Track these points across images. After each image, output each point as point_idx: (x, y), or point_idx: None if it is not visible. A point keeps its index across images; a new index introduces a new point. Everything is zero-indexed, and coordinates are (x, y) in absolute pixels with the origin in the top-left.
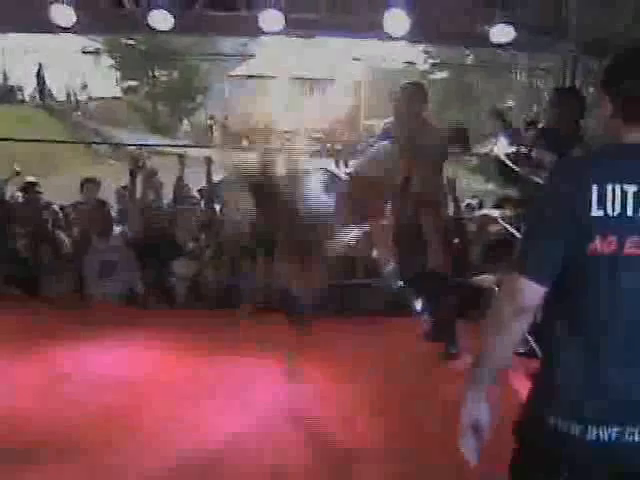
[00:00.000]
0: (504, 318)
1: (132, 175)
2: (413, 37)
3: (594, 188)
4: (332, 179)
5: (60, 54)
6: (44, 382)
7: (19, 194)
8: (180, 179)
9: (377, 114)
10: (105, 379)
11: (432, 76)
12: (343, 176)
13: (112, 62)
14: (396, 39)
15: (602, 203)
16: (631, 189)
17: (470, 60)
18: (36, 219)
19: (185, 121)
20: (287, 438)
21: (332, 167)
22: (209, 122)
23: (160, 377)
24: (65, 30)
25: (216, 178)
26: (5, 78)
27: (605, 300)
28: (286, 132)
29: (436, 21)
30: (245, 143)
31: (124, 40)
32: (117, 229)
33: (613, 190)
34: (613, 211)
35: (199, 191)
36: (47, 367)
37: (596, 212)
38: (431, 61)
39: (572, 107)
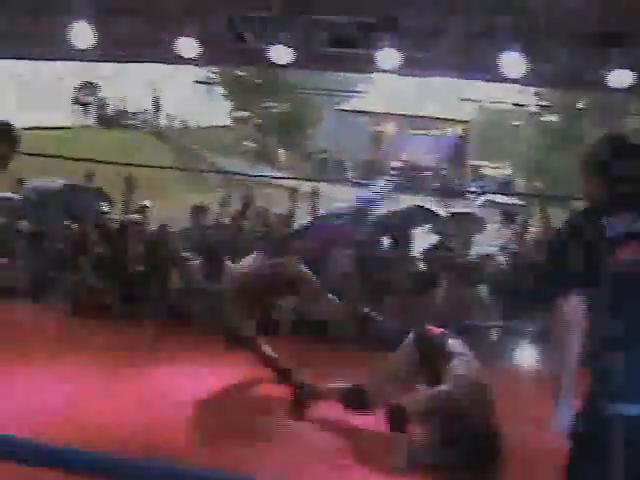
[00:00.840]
0: None
1: (244, 208)
2: (526, 79)
3: None
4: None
5: (175, 83)
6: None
7: (135, 216)
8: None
9: (484, 155)
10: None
11: (541, 119)
12: (442, 213)
13: (224, 92)
14: (510, 81)
15: None
16: None
17: (582, 103)
18: (162, 245)
19: (292, 153)
20: None
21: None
22: (318, 155)
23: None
24: (187, 61)
25: (322, 211)
26: (121, 103)
27: None
28: (393, 168)
29: (550, 64)
30: (351, 176)
31: (237, 72)
32: None
33: None
34: None
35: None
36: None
37: None
38: (541, 103)
39: None
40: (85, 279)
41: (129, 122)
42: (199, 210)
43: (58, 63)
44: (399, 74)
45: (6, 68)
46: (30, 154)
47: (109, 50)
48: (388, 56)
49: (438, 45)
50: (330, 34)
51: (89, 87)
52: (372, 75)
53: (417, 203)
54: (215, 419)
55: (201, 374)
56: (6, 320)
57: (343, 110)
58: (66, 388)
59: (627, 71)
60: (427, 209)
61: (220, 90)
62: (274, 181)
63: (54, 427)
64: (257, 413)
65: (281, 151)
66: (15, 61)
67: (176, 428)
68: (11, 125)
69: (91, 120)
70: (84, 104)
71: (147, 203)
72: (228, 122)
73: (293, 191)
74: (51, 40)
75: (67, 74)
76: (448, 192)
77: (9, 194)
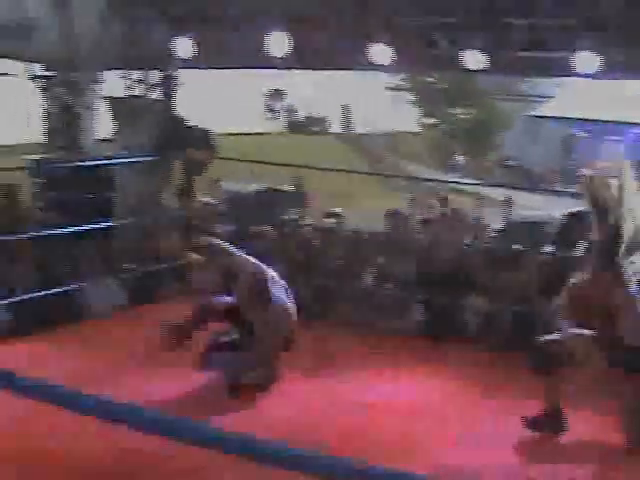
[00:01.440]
0: None
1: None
2: None
3: None
4: None
5: (364, 89)
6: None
7: (328, 221)
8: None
9: None
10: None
11: None
12: None
13: (413, 98)
14: None
15: None
16: None
17: None
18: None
19: (482, 160)
20: None
21: None
22: (509, 162)
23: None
24: (377, 67)
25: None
26: (310, 110)
27: None
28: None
29: None
30: (543, 185)
31: (426, 78)
32: None
33: None
34: None
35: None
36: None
37: None
38: None
39: None
40: None
41: (319, 128)
42: (394, 214)
43: (255, 71)
44: (596, 78)
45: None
46: (226, 159)
47: (303, 58)
48: (586, 59)
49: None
50: (525, 37)
51: (277, 94)
52: (566, 79)
53: None
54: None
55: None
56: None
57: (535, 116)
58: None
59: None
60: None
61: (409, 96)
62: (462, 187)
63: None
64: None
65: (469, 157)
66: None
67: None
68: (209, 132)
69: (281, 126)
70: (273, 110)
71: (338, 210)
72: (417, 128)
73: (481, 198)
74: (250, 49)
75: (263, 82)
76: None
77: (209, 199)
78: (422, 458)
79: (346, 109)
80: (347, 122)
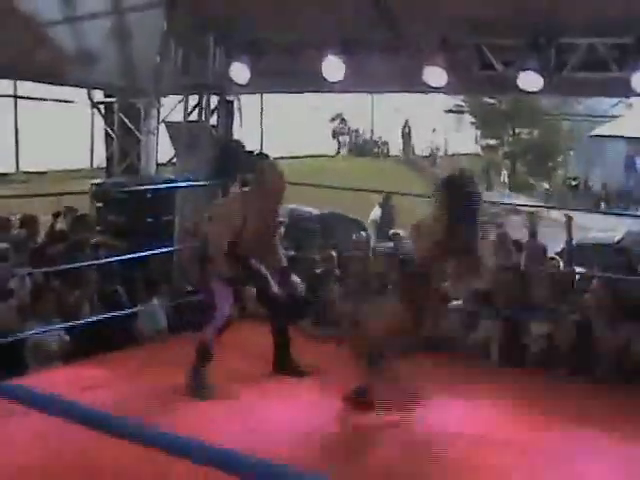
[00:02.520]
0: None
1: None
2: None
3: None
4: None
5: (425, 112)
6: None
7: (389, 244)
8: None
9: None
10: (440, 433)
11: None
12: None
13: (473, 120)
14: None
15: None
16: None
17: None
18: None
19: (544, 181)
20: None
21: None
22: (571, 182)
23: (488, 438)
24: (435, 90)
25: (577, 240)
26: (372, 133)
27: None
28: None
29: None
30: (607, 206)
31: (485, 99)
32: None
33: None
34: None
35: (558, 253)
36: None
37: None
38: None
39: None
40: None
41: (380, 150)
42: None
43: (313, 95)
44: None
45: (269, 101)
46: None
47: (359, 80)
48: None
49: None
50: (581, 58)
51: (341, 120)
52: (630, 99)
53: None
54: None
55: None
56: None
57: (596, 136)
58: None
59: None
60: None
61: (469, 118)
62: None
63: None
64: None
65: (531, 178)
66: (276, 94)
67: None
68: (267, 156)
69: (344, 149)
70: (338, 135)
71: (400, 232)
72: (477, 150)
73: (531, 215)
74: (306, 74)
75: (321, 105)
76: None
77: None
78: None
79: (408, 132)
80: (409, 144)
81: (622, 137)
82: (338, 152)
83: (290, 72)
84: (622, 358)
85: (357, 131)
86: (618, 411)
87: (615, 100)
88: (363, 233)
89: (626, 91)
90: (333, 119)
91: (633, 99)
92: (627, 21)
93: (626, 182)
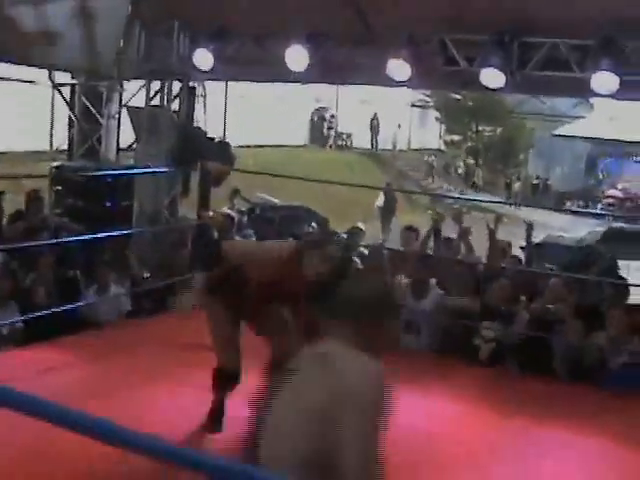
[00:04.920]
0: None
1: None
2: None
3: None
4: None
5: (390, 106)
6: None
7: (344, 236)
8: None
9: None
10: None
11: None
12: None
13: (438, 115)
14: None
15: None
16: None
17: None
18: None
19: (505, 179)
20: None
21: None
22: (533, 181)
23: (438, 434)
24: (399, 84)
25: (537, 239)
26: (329, 124)
27: None
28: (608, 197)
29: None
30: (569, 205)
31: (451, 95)
32: None
33: None
34: None
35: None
36: None
37: None
38: None
39: None
40: None
41: (344, 143)
42: (410, 231)
43: (277, 84)
44: (616, 98)
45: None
46: (245, 171)
47: (325, 71)
48: (604, 79)
49: None
50: (544, 57)
51: (322, 111)
52: (591, 99)
53: None
54: None
55: None
56: None
57: (558, 135)
58: None
59: None
60: None
61: (434, 113)
62: (485, 205)
63: None
64: None
65: (492, 176)
66: (239, 82)
67: None
68: (228, 144)
69: (306, 140)
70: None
71: (361, 225)
72: (440, 145)
73: (498, 216)
74: (270, 63)
75: (285, 95)
76: None
77: (227, 210)
78: None
79: (374, 125)
80: (374, 138)
81: (583, 137)
82: (299, 142)
83: (255, 60)
84: (578, 356)
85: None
86: (572, 409)
87: (577, 101)
88: (315, 225)
89: (586, 92)
90: (318, 110)
91: (594, 100)
92: (589, 24)
93: (587, 182)
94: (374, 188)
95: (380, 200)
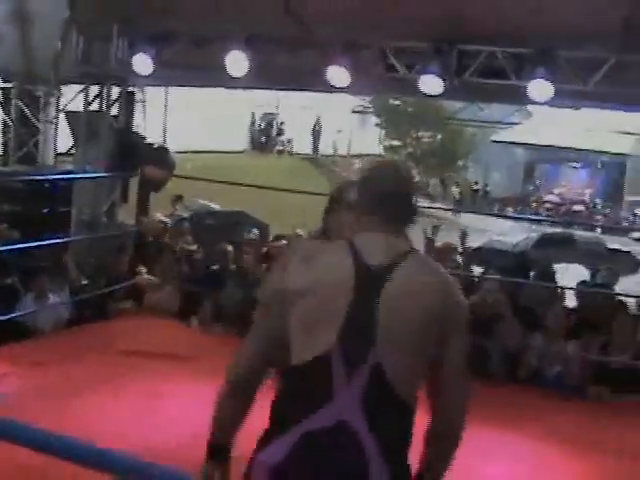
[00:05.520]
0: None
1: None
2: None
3: None
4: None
5: (330, 112)
6: None
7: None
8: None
9: None
10: None
11: None
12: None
13: (378, 121)
14: None
15: None
16: None
17: None
18: None
19: (445, 184)
20: None
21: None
22: (472, 187)
23: None
24: (339, 90)
25: (474, 244)
26: (279, 130)
27: None
28: (545, 202)
29: None
30: (509, 210)
31: (392, 101)
32: None
33: None
34: None
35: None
36: None
37: None
38: None
39: None
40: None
41: (284, 148)
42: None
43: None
44: (552, 106)
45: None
46: (185, 177)
47: (265, 77)
48: (540, 87)
49: (594, 76)
50: (482, 65)
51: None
52: (528, 107)
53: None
54: None
55: None
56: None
57: (496, 141)
58: None
59: None
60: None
61: (374, 119)
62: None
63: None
64: None
65: (433, 181)
66: (181, 88)
67: None
68: (167, 149)
69: (247, 145)
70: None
71: (300, 231)
72: (380, 151)
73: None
74: (210, 68)
75: (225, 100)
76: (602, 227)
77: (162, 216)
78: None
79: (316, 130)
80: (315, 143)
81: (521, 144)
82: (240, 148)
83: (195, 65)
84: (515, 359)
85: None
86: (510, 411)
87: (514, 108)
88: (256, 231)
89: (523, 99)
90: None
91: (532, 108)
92: (526, 33)
93: (525, 187)
94: (314, 194)
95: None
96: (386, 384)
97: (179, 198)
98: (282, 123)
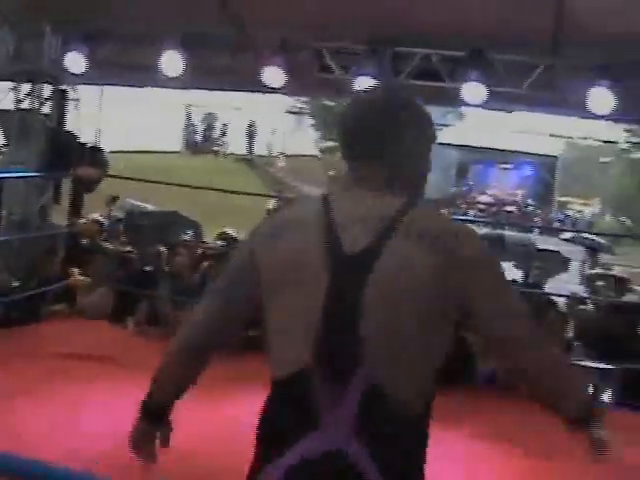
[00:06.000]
0: None
1: None
2: (617, 116)
3: None
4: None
5: (266, 113)
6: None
7: (218, 243)
8: None
9: (572, 191)
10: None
11: (632, 155)
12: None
13: (313, 122)
14: (599, 117)
15: None
16: None
17: None
18: None
19: None
20: None
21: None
22: None
23: None
24: (274, 91)
25: None
26: (222, 131)
27: None
28: (478, 202)
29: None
30: (443, 210)
31: (327, 102)
32: None
33: None
34: None
35: None
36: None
37: None
38: (632, 140)
39: None
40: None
41: (220, 149)
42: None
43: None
44: (485, 108)
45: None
46: (119, 177)
47: (200, 77)
48: (474, 90)
49: (526, 80)
50: (416, 67)
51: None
52: (461, 109)
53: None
54: None
55: None
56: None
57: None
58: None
59: None
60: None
61: (309, 120)
62: None
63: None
64: None
65: None
66: (116, 87)
67: None
68: (101, 149)
69: (182, 146)
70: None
71: (230, 231)
72: (315, 152)
73: None
74: (145, 68)
75: (160, 100)
76: (533, 227)
77: (97, 216)
78: None
79: (251, 131)
80: (250, 144)
81: (453, 145)
82: (174, 148)
83: (129, 65)
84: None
85: (195, 128)
86: (446, 409)
87: (447, 110)
88: (190, 232)
89: (456, 101)
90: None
91: (464, 110)
92: (460, 37)
93: (458, 188)
94: (249, 194)
95: (271, 204)
96: (384, 399)
97: (114, 199)
98: (225, 125)
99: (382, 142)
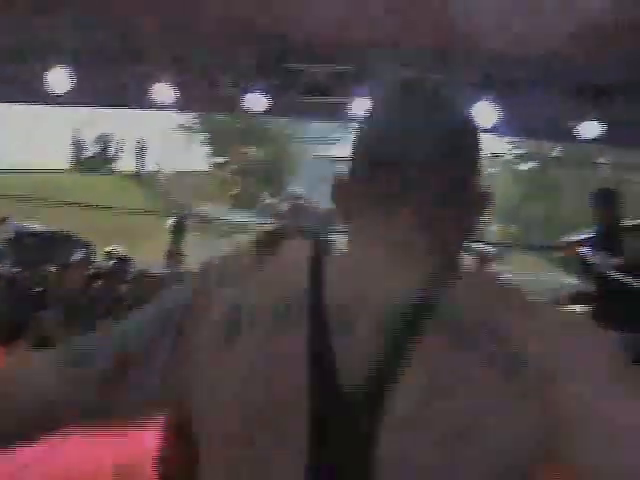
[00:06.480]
0: None
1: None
2: (500, 130)
3: None
4: None
5: (156, 129)
6: None
7: (104, 263)
8: None
9: None
10: None
11: (516, 167)
12: None
13: (204, 138)
14: (483, 131)
15: None
16: None
17: (556, 152)
18: None
19: (270, 198)
20: None
21: None
22: (294, 201)
23: None
24: (164, 107)
25: None
26: (104, 148)
27: None
28: None
29: (524, 114)
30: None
31: (217, 117)
32: None
33: None
34: None
35: None
36: None
37: None
38: (516, 152)
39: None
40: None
41: (108, 166)
42: (172, 255)
43: (38, 107)
44: None
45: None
46: (4, 196)
47: (88, 95)
48: (361, 104)
49: None
50: (304, 82)
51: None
52: (351, 124)
53: None
54: None
55: None
56: None
57: (319, 156)
58: None
59: (595, 123)
60: None
61: (200, 135)
62: (253, 225)
63: None
64: None
65: (258, 196)
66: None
67: None
68: None
69: (68, 164)
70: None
71: (119, 249)
72: (206, 167)
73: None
74: (30, 85)
75: (45, 117)
76: None
77: None
78: None
79: (140, 148)
80: (140, 160)
81: (340, 158)
82: (61, 166)
83: (13, 80)
84: None
85: (84, 145)
86: None
87: (337, 124)
88: (81, 252)
89: (346, 115)
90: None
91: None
92: (346, 51)
93: None
94: (137, 211)
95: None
96: None
97: (3, 220)
98: (119, 142)
99: (457, 180)
